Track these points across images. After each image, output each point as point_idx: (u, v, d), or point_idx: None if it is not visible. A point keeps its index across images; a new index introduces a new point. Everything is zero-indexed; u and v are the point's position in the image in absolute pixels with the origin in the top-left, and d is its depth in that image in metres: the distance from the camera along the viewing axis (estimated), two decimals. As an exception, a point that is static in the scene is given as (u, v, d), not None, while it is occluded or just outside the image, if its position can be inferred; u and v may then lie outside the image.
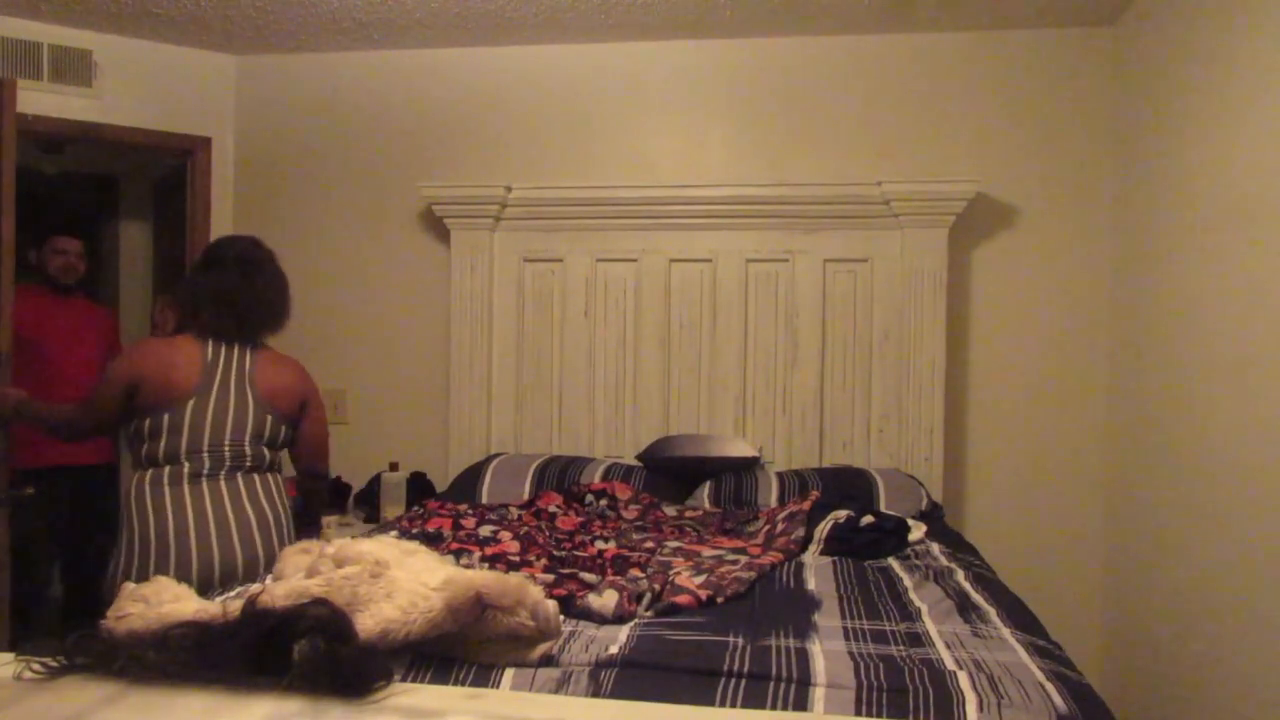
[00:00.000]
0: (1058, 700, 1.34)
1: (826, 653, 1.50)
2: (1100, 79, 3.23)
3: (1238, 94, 2.36)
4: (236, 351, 2.37)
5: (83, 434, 2.39)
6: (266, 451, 2.40)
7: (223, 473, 2.30)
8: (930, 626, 1.68)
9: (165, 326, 2.84)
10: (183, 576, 2.12)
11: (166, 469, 2.27)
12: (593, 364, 3.41)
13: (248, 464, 2.34)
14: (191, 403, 2.27)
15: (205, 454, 2.28)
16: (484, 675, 1.37)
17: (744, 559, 2.17)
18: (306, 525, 2.55)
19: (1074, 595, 3.24)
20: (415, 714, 1.14)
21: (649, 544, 2.36)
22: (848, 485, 2.91)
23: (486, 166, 3.55)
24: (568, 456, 3.25)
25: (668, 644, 1.53)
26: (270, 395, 2.38)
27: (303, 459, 2.52)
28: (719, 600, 1.83)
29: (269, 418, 2.38)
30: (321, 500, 2.68)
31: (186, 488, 2.26)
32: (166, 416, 2.26)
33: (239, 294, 2.36)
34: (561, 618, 1.54)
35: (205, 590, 2.16)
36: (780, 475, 3.06)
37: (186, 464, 2.27)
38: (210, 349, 2.34)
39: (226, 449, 2.30)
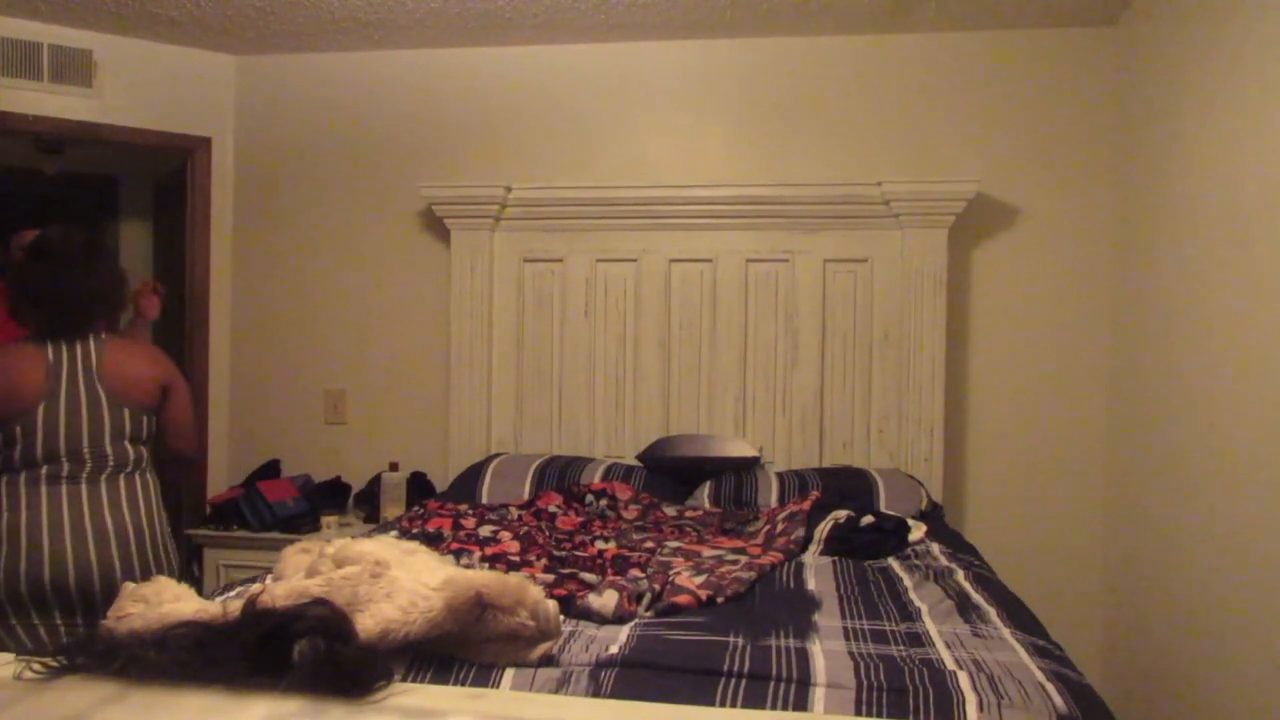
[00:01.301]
0: (1058, 700, 1.34)
1: (826, 653, 1.50)
2: (1100, 79, 3.23)
3: (1238, 94, 2.36)
4: (79, 349, 2.28)
5: None
6: (130, 448, 2.32)
7: (84, 475, 2.24)
8: (930, 626, 1.69)
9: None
10: (34, 575, 2.16)
11: (23, 473, 2.22)
12: (593, 364, 3.41)
13: (110, 465, 2.28)
14: (41, 408, 2.21)
15: (64, 459, 2.22)
16: (484, 675, 1.37)
17: (744, 559, 2.17)
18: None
19: (1074, 595, 3.24)
20: (415, 714, 1.14)
21: (649, 544, 2.36)
22: (848, 485, 2.92)
23: (486, 166, 3.55)
24: (568, 456, 3.25)
25: (668, 644, 1.53)
26: (123, 388, 2.30)
27: (167, 444, 2.44)
28: (719, 600, 1.83)
29: (125, 412, 2.29)
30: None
31: (44, 489, 2.21)
32: (18, 427, 2.20)
33: (60, 289, 2.24)
34: (561, 618, 1.54)
35: (57, 594, 2.17)
36: (780, 475, 3.06)
37: (45, 467, 2.21)
38: (50, 350, 2.25)
39: (86, 451, 2.24)
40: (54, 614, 2.22)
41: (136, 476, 2.34)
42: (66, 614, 2.22)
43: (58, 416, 2.21)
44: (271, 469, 3.60)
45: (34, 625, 2.21)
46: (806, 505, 2.58)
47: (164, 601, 1.42)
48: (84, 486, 2.24)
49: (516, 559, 2.14)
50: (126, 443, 2.31)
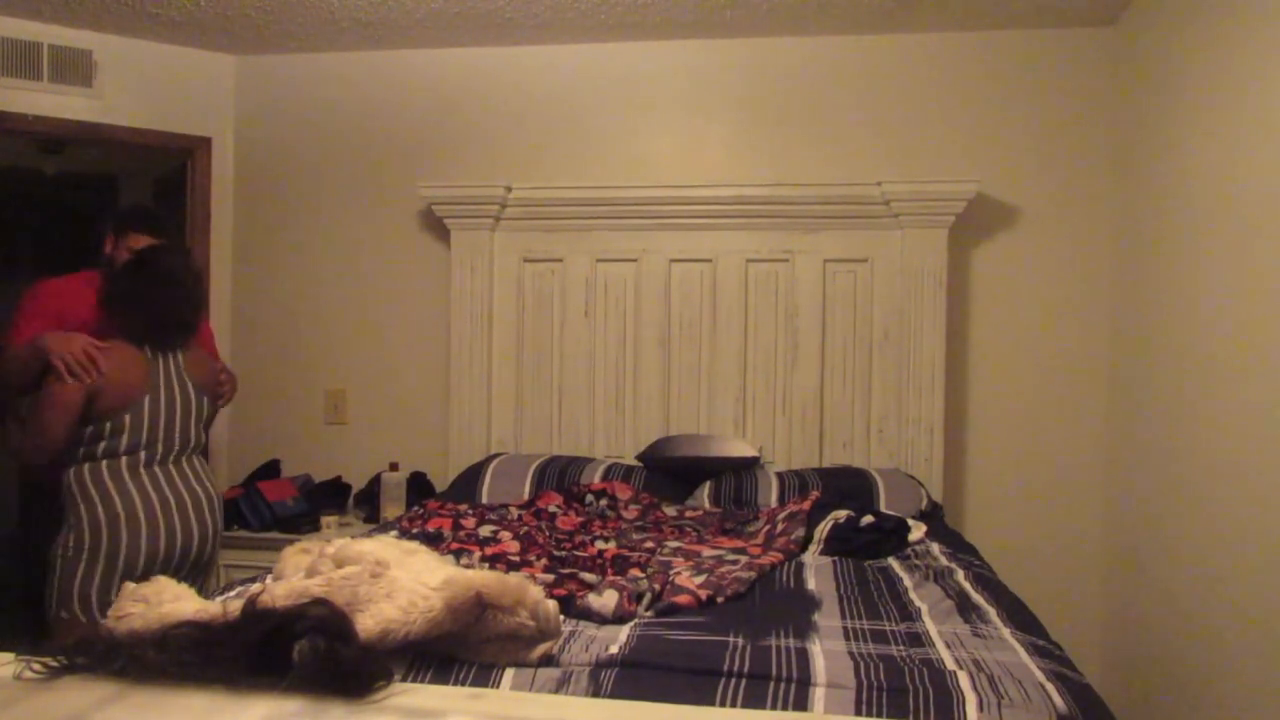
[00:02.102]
0: (1058, 700, 1.34)
1: (826, 653, 1.50)
2: (1100, 79, 3.23)
3: (1238, 93, 2.36)
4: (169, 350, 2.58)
5: (47, 452, 2.39)
6: (204, 432, 2.67)
7: (172, 457, 2.53)
8: (930, 626, 1.69)
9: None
10: (151, 552, 2.43)
11: (126, 458, 2.44)
12: (593, 364, 3.41)
13: (191, 446, 2.59)
14: (147, 400, 2.46)
15: (160, 444, 2.49)
16: (484, 675, 1.37)
17: (744, 559, 2.17)
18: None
19: (1074, 595, 3.24)
20: (415, 714, 1.14)
21: (649, 544, 2.36)
22: (848, 485, 2.92)
23: (486, 166, 3.55)
24: (568, 456, 3.25)
25: (668, 644, 1.53)
26: (202, 382, 2.62)
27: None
28: (719, 600, 1.83)
29: (205, 401, 2.63)
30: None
31: (154, 470, 2.48)
32: (128, 417, 2.42)
33: (163, 306, 2.49)
34: (561, 618, 1.54)
35: (166, 565, 2.44)
36: (780, 475, 3.06)
37: (144, 452, 2.46)
38: (148, 350, 2.50)
39: (178, 437, 2.53)
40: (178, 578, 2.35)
41: (201, 454, 2.69)
42: (186, 577, 2.37)
43: (159, 408, 2.48)
44: (271, 469, 3.60)
45: None
46: (806, 505, 2.58)
47: (164, 601, 1.42)
48: (178, 466, 2.55)
49: (516, 559, 2.14)
50: (204, 428, 2.66)
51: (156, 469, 2.48)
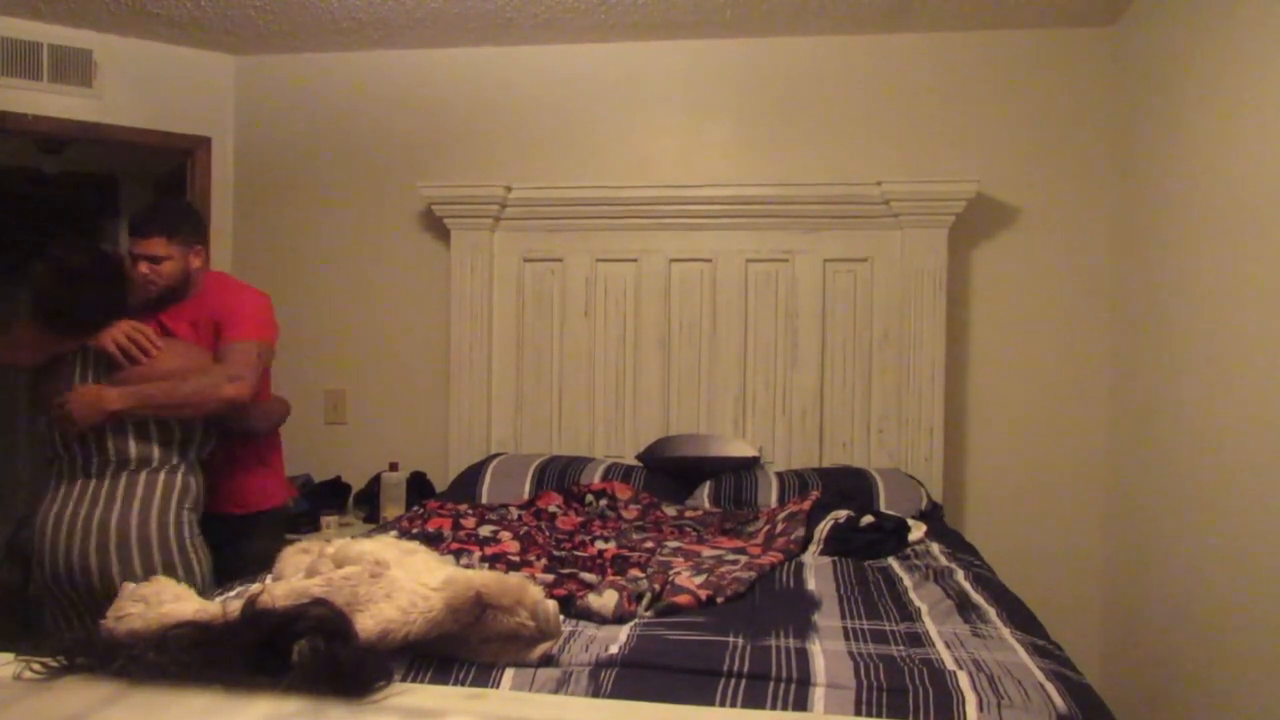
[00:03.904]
0: (1058, 700, 1.34)
1: (826, 653, 1.50)
2: (1100, 79, 3.23)
3: (1238, 94, 2.36)
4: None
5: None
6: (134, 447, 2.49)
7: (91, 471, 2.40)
8: (930, 626, 1.69)
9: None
10: (44, 574, 2.29)
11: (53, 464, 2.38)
12: (593, 364, 3.41)
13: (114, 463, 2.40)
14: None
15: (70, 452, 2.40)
16: (484, 675, 1.37)
17: (744, 559, 2.17)
18: None
19: (1074, 595, 3.24)
20: (415, 714, 1.14)
21: (649, 544, 2.36)
22: (848, 485, 2.91)
23: (486, 166, 3.54)
24: (568, 456, 3.25)
25: (668, 644, 1.53)
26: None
27: None
28: (719, 600, 1.83)
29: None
30: None
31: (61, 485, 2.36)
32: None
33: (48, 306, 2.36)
34: (561, 618, 1.54)
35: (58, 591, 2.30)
36: (780, 475, 3.06)
37: (59, 462, 2.36)
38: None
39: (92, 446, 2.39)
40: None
41: (157, 472, 2.51)
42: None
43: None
44: (271, 469, 3.60)
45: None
46: (806, 505, 2.58)
47: (164, 601, 1.42)
48: (99, 481, 2.38)
49: (516, 559, 2.14)
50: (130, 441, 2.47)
51: (74, 482, 2.30)
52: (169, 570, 2.26)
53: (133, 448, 2.31)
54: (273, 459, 2.78)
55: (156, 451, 2.33)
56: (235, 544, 2.50)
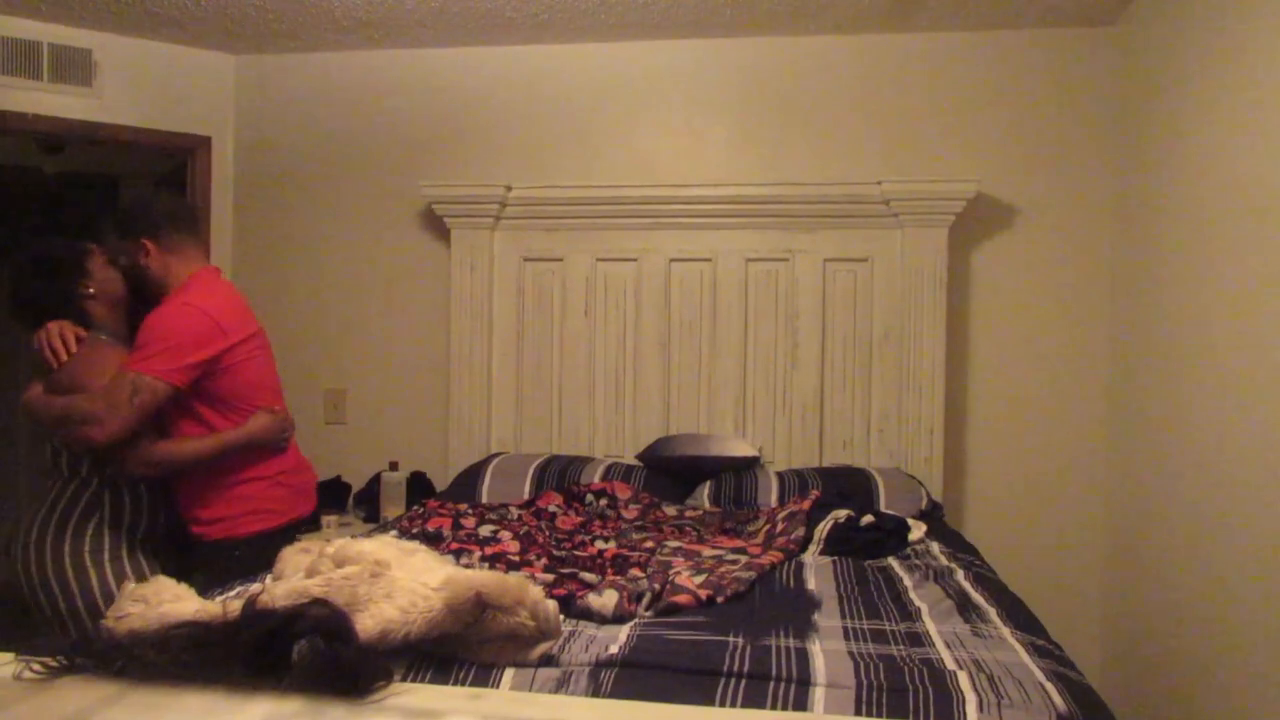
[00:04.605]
0: (1058, 700, 1.34)
1: (826, 652, 1.50)
2: (1100, 79, 3.23)
3: (1238, 93, 2.36)
4: None
5: None
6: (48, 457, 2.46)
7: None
8: (930, 626, 1.69)
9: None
10: None
11: None
12: (593, 364, 3.41)
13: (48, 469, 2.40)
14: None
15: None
16: (484, 675, 1.37)
17: (744, 559, 2.17)
18: None
19: (1074, 595, 3.24)
20: (415, 714, 1.14)
21: (649, 544, 2.36)
22: (848, 485, 2.91)
23: (486, 166, 3.54)
24: (568, 456, 3.25)
25: (668, 644, 1.53)
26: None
27: None
28: (719, 600, 1.83)
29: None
30: None
31: None
32: None
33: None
34: (561, 618, 1.54)
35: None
36: (780, 475, 3.06)
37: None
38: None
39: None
40: None
41: (53, 478, 2.47)
42: None
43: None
44: (271, 469, 3.59)
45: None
46: (806, 505, 2.58)
47: (164, 601, 1.42)
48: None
49: (516, 559, 2.14)
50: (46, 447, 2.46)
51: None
52: (44, 585, 2.22)
53: (49, 455, 2.30)
54: (238, 488, 2.33)
55: (65, 461, 2.29)
56: (189, 574, 2.19)
